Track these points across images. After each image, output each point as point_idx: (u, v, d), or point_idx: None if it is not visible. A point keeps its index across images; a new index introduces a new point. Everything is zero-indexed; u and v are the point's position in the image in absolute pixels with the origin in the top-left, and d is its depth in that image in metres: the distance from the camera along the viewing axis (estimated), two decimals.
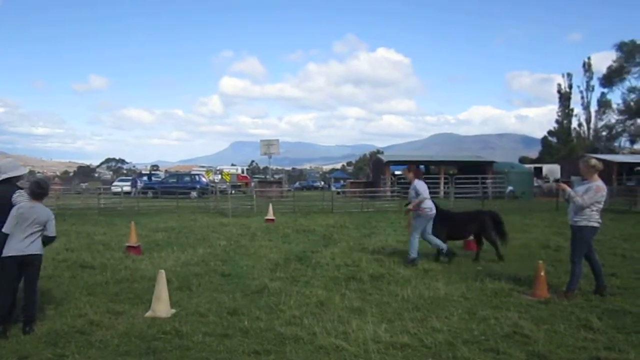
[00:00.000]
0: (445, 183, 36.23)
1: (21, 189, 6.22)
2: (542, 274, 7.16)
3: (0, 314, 5.64)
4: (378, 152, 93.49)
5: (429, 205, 9.82)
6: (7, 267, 5.63)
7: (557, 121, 67.91)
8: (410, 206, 9.91)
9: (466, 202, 26.62)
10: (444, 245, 9.94)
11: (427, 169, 47.10)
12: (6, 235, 5.62)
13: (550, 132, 69.12)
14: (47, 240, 5.94)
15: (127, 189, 39.79)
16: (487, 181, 34.47)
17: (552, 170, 46.24)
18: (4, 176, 6.13)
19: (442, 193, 35.41)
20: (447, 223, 10.31)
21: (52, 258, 9.94)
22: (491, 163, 39.72)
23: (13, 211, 5.70)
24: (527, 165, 49.75)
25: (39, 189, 5.95)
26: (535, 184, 41.51)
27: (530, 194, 35.54)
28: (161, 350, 5.15)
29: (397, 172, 42.01)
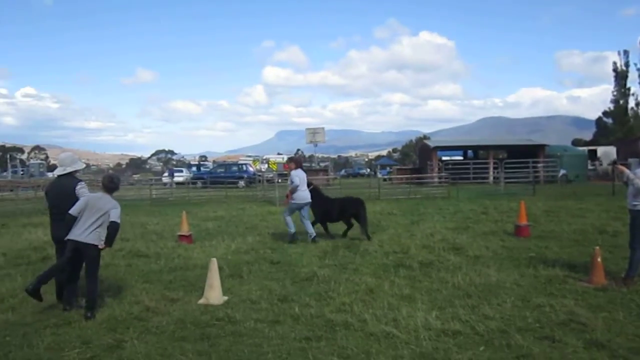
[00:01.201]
0: (494, 168, 35.46)
1: (81, 181, 6.53)
2: (599, 260, 6.93)
3: (57, 286, 6.32)
4: (424, 137, 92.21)
5: (301, 195, 10.91)
6: (67, 249, 6.05)
7: (612, 101, 65.00)
8: (292, 192, 10.99)
9: (517, 186, 26.00)
10: (312, 233, 10.94)
11: (475, 153, 46.18)
12: (73, 218, 6.01)
13: (605, 113, 66.32)
14: (110, 227, 6.07)
15: (178, 179, 40.74)
16: (539, 165, 33.53)
17: (607, 152, 44.46)
18: (68, 169, 6.48)
19: (491, 178, 34.70)
20: (322, 207, 11.49)
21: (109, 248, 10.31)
22: (543, 146, 38.55)
23: (85, 197, 6.16)
24: (580, 148, 48.04)
25: (110, 183, 6.32)
26: (590, 167, 40.11)
27: (584, 177, 34.38)
28: (215, 336, 5.28)
29: (444, 158, 41.39)
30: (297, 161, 11.65)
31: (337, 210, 11.59)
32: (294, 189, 10.86)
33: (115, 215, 6.09)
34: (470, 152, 47.57)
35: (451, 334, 5.15)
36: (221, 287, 6.63)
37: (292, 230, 11.07)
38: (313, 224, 11.34)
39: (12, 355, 4.83)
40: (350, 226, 11.71)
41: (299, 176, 10.92)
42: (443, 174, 30.93)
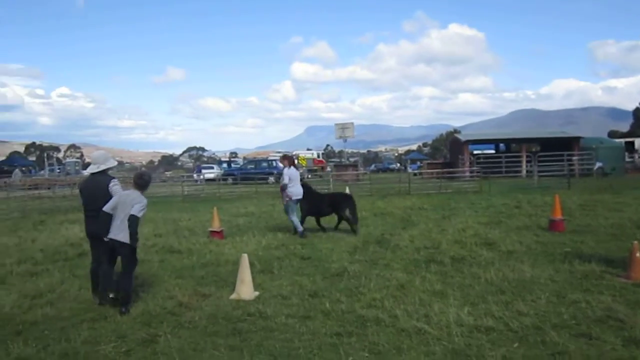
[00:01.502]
0: (527, 161, 34.81)
1: (114, 178, 6.66)
2: (638, 255, 6.73)
3: (93, 281, 6.58)
4: (455, 131, 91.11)
5: (296, 191, 11.36)
6: (107, 247, 6.30)
7: None
8: (282, 189, 11.41)
9: (551, 180, 25.47)
10: (300, 228, 11.28)
11: (507, 146, 45.42)
12: (108, 215, 6.16)
13: None
14: (128, 219, 6.07)
15: (208, 175, 41.16)
16: (574, 158, 32.78)
17: None
18: (102, 167, 6.63)
19: (524, 172, 34.09)
20: (312, 202, 11.79)
21: (143, 243, 10.49)
22: (577, 138, 37.64)
23: (116, 195, 6.32)
24: (617, 140, 46.77)
25: (140, 179, 6.44)
26: (627, 159, 39.02)
27: (621, 170, 33.47)
28: (246, 331, 5.32)
29: (475, 152, 40.79)
30: (289, 159, 12.03)
31: (326, 205, 11.95)
32: (284, 187, 11.33)
33: (136, 209, 6.11)
34: (502, 145, 46.81)
35: (484, 330, 5.08)
36: (252, 283, 6.68)
37: (301, 228, 11.36)
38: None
39: (50, 349, 4.96)
40: (340, 220, 11.99)
41: (290, 174, 11.36)
42: (474, 167, 30.52)
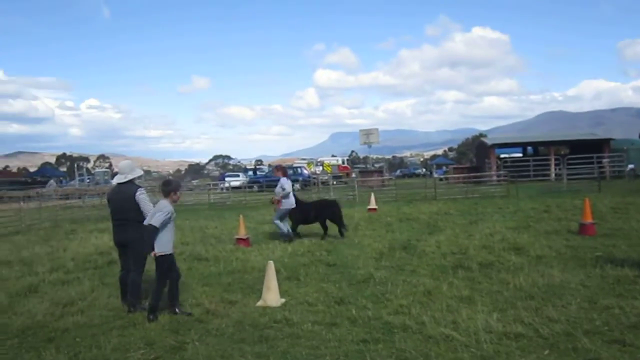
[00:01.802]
0: (556, 164, 34.21)
1: (141, 187, 6.76)
2: None
3: (122, 289, 6.70)
4: (481, 135, 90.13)
5: (290, 201, 11.89)
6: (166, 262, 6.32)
7: None
8: (276, 198, 11.92)
9: (581, 183, 24.98)
10: (286, 233, 11.79)
11: (535, 150, 44.73)
12: (156, 229, 6.06)
13: None
14: (144, 228, 6.19)
15: (234, 183, 41.54)
16: (604, 160, 32.10)
17: None
18: (129, 177, 6.72)
19: (553, 175, 33.52)
20: (300, 211, 12.11)
21: None
22: (607, 140, 36.87)
23: (166, 208, 6.16)
24: None
25: (164, 185, 6.46)
26: None
27: None
28: (273, 338, 5.33)
29: (502, 155, 40.26)
30: (283, 170, 12.69)
31: (313, 213, 12.29)
32: (286, 195, 11.79)
33: (154, 218, 6.09)
34: (530, 148, 46.12)
35: (513, 336, 5.00)
36: (278, 290, 6.69)
37: (285, 229, 11.87)
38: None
39: (81, 356, 5.05)
40: (326, 229, 12.24)
41: (287, 184, 11.84)
42: (502, 172, 30.12)
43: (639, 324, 5.14)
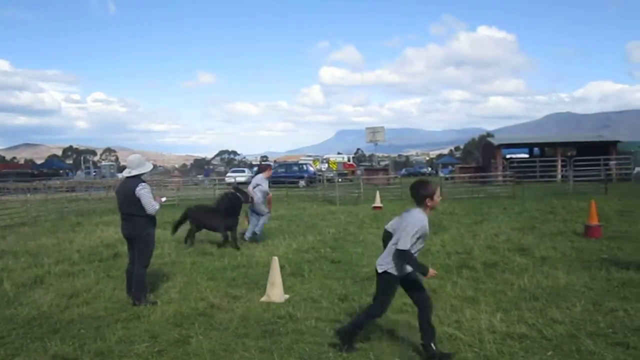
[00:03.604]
0: (563, 166, 34.09)
1: (144, 182, 6.68)
2: None
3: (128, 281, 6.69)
4: (487, 135, 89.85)
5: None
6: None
7: None
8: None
9: (587, 185, 24.88)
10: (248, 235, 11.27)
11: (541, 151, 44.59)
12: (410, 254, 4.53)
13: None
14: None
15: (240, 179, 41.56)
16: (611, 162, 31.96)
17: None
18: (134, 172, 6.68)
19: (559, 176, 33.40)
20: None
21: (176, 245, 10.69)
22: (615, 142, 36.69)
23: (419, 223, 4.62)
24: None
25: (417, 190, 4.82)
26: None
27: None
28: (277, 333, 5.35)
29: (509, 156, 40.13)
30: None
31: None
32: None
33: (401, 239, 4.56)
34: (536, 149, 45.97)
35: (517, 337, 5.00)
36: (283, 286, 6.71)
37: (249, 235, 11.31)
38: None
39: (86, 347, 5.07)
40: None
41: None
42: (508, 172, 30.04)
43: None
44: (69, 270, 8.71)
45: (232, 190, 11.16)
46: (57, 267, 8.89)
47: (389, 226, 4.93)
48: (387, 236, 4.86)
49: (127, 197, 6.57)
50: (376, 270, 4.79)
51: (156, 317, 5.95)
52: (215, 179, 41.84)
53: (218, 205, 10.88)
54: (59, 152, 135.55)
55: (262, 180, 11.44)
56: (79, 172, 64.96)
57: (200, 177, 47.20)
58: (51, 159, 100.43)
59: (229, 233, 10.54)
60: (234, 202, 10.69)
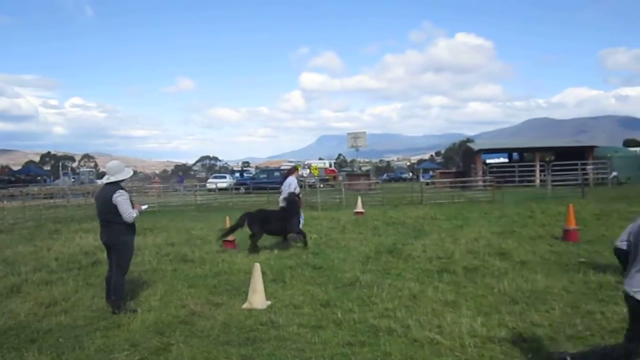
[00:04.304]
0: (541, 170, 34.54)
1: (122, 189, 6.59)
2: None
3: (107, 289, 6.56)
4: (467, 140, 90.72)
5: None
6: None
7: None
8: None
9: (565, 189, 25.27)
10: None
11: (520, 156, 45.12)
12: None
13: None
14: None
15: (221, 185, 41.31)
16: (588, 167, 32.47)
17: None
18: (112, 179, 6.60)
19: (538, 181, 33.83)
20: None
21: (156, 252, 10.59)
22: (592, 148, 37.32)
23: None
24: (632, 149, 46.25)
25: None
26: None
27: (637, 179, 33.08)
28: (259, 340, 5.33)
29: (488, 161, 40.54)
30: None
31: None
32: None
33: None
34: (515, 154, 46.53)
35: (497, 341, 5.05)
36: (264, 292, 6.69)
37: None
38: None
39: (64, 357, 5.00)
40: None
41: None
42: (487, 177, 30.33)
43: (621, 330, 5.19)
44: (46, 278, 8.57)
45: (295, 193, 11.85)
46: (35, 275, 8.74)
47: (621, 244, 4.62)
48: (624, 253, 4.37)
49: (105, 203, 6.49)
50: (629, 296, 3.91)
51: (136, 325, 5.88)
52: (188, 186, 41.41)
53: (288, 208, 11.43)
54: (37, 158, 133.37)
55: (293, 180, 12.38)
56: (63, 178, 63.95)
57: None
58: (28, 165, 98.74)
59: (299, 235, 11.26)
60: (298, 204, 11.56)
